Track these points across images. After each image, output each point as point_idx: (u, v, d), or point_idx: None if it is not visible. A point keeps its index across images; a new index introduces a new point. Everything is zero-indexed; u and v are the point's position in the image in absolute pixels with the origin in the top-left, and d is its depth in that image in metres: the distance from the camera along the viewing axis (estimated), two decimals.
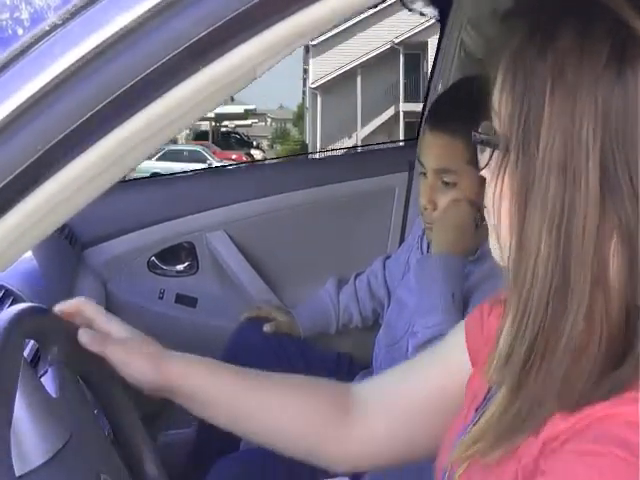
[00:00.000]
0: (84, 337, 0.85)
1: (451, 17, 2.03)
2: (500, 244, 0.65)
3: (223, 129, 33.67)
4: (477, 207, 1.40)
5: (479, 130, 0.67)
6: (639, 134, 0.57)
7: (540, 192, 0.59)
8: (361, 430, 0.90)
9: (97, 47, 0.58)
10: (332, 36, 22.77)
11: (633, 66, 0.57)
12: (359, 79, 23.91)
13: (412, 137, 2.24)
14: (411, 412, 0.89)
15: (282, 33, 0.58)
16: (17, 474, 0.65)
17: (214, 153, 22.28)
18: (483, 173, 0.67)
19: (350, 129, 23.51)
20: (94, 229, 1.99)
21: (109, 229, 2.02)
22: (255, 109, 37.43)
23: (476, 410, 0.76)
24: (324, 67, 24.44)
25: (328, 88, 24.09)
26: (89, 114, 0.58)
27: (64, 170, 0.59)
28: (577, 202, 0.58)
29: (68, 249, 1.85)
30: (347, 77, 23.85)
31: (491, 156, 0.64)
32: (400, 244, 2.05)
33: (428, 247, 1.65)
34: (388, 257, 1.92)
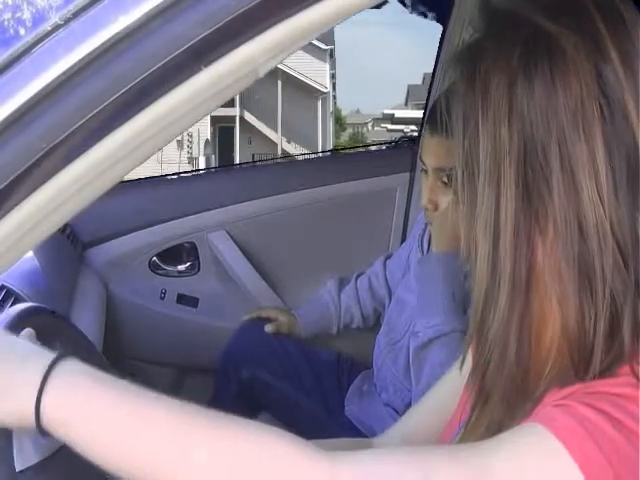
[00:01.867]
0: None
1: (452, 18, 2.04)
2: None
3: None
4: None
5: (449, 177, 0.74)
6: (548, 128, 0.60)
7: (479, 201, 0.64)
8: None
9: (99, 47, 0.58)
10: None
11: (537, 62, 0.60)
12: None
13: (414, 138, 2.23)
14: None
15: (285, 33, 0.58)
16: (17, 469, 0.65)
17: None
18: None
19: None
20: (96, 229, 1.99)
21: (111, 229, 2.02)
22: None
23: (472, 409, 0.77)
24: None
25: None
26: (91, 114, 0.58)
27: (67, 169, 0.59)
28: (501, 204, 0.62)
29: (70, 249, 1.85)
30: None
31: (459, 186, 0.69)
32: (402, 243, 2.05)
33: (428, 246, 1.65)
34: (389, 257, 1.92)
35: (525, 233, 0.62)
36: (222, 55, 0.58)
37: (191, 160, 22.05)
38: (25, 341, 0.70)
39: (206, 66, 0.58)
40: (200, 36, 0.57)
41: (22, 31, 0.60)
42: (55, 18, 0.58)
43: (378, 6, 2.43)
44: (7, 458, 0.64)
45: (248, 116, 23.39)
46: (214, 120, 23.28)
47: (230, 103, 23.17)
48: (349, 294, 1.93)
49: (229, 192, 2.10)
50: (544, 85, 0.60)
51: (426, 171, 1.54)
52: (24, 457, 0.69)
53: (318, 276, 2.01)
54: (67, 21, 0.58)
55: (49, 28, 0.58)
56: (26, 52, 0.59)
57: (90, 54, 0.58)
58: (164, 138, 0.63)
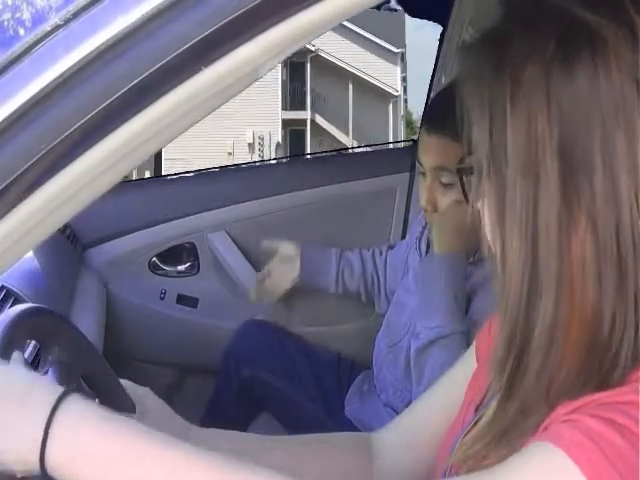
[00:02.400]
0: None
1: (452, 18, 2.04)
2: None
3: None
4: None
5: (460, 170, 0.70)
6: (591, 119, 0.58)
7: (511, 199, 0.61)
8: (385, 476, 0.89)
9: (99, 47, 0.57)
10: None
11: (578, 53, 0.58)
12: None
13: (413, 139, 2.23)
14: (435, 445, 0.86)
15: (285, 33, 0.58)
16: (19, 475, 0.65)
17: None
18: (478, 207, 0.68)
19: None
20: (96, 229, 1.99)
21: (111, 229, 2.02)
22: None
23: (476, 409, 0.76)
24: None
25: None
26: (91, 114, 0.58)
27: (66, 170, 0.59)
28: (540, 200, 0.60)
29: (69, 249, 1.85)
30: None
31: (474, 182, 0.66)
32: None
33: (427, 248, 1.65)
34: (392, 247, 1.91)
35: (566, 230, 0.59)
36: (222, 55, 0.58)
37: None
38: (22, 371, 0.67)
39: (206, 66, 0.58)
40: (200, 36, 0.57)
41: (22, 31, 0.60)
42: (55, 18, 0.58)
43: (378, 7, 2.43)
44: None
45: (319, 119, 23.61)
46: (285, 123, 23.46)
47: (301, 106, 23.46)
48: (353, 252, 1.92)
49: (229, 192, 2.10)
50: (586, 75, 0.58)
51: (424, 173, 1.52)
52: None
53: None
54: (67, 21, 0.58)
55: (49, 28, 0.58)
56: (26, 52, 0.59)
57: (90, 54, 0.58)
58: (164, 138, 0.63)
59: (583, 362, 0.60)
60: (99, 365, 0.88)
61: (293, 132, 23.90)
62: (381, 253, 1.90)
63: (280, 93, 23.11)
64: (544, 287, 0.60)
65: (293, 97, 23.84)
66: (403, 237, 2.11)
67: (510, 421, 0.64)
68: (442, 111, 1.49)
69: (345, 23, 21.57)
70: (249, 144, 22.59)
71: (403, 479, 0.90)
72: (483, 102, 0.63)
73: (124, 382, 0.87)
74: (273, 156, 21.53)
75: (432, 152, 1.50)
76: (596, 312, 0.59)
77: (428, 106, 1.67)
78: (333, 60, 23.16)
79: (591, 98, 0.58)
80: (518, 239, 0.61)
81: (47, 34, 0.58)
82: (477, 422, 0.74)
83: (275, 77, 22.10)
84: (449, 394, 0.87)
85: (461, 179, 0.70)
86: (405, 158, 2.15)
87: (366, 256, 1.91)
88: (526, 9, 0.62)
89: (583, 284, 0.59)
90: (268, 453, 0.88)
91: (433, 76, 2.19)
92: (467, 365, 0.87)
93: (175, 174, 2.28)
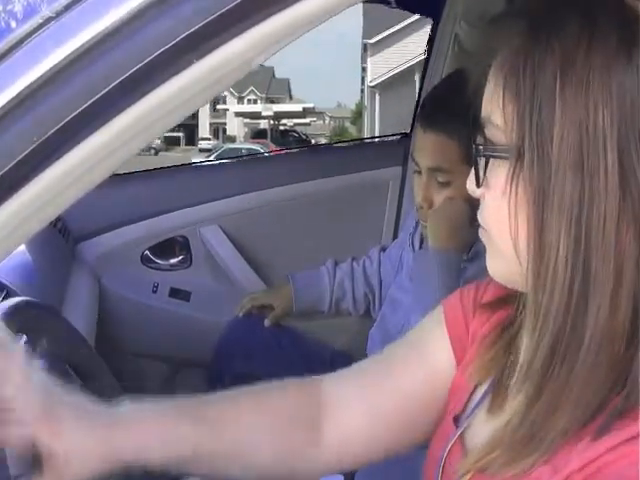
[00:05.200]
0: None
1: (445, 12, 2.03)
2: (506, 263, 0.64)
3: (282, 127, 33.82)
4: (472, 204, 1.39)
5: (478, 145, 0.64)
6: None
7: (558, 192, 0.58)
8: (335, 433, 0.82)
9: (91, 40, 0.57)
10: (390, 35, 22.67)
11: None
12: (417, 77, 23.91)
13: (405, 132, 2.23)
14: (395, 410, 0.81)
15: (276, 26, 0.58)
16: (13, 475, 0.64)
17: (272, 151, 22.28)
18: (482, 192, 0.65)
19: (408, 127, 23.37)
20: (88, 223, 1.99)
21: (103, 223, 2.02)
22: (314, 107, 37.65)
23: (455, 418, 0.75)
24: (383, 65, 24.42)
25: (386, 86, 24.02)
26: (83, 107, 0.58)
27: (58, 163, 0.59)
28: (595, 196, 0.57)
29: (61, 243, 1.85)
30: (405, 75, 23.81)
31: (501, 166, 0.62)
32: (394, 238, 2.05)
33: (421, 244, 1.65)
34: (383, 250, 1.92)
35: (622, 228, 0.57)
36: (214, 48, 0.58)
37: None
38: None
39: (198, 59, 0.58)
40: (192, 29, 0.57)
41: (13, 24, 0.59)
42: (46, 11, 0.58)
43: (370, 0, 2.42)
44: (3, 463, 0.64)
45: None
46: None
47: None
48: (344, 270, 1.92)
49: (221, 186, 2.10)
50: None
51: (419, 172, 1.51)
52: (19, 462, 0.68)
53: (310, 270, 2.01)
54: (59, 14, 0.58)
55: (41, 21, 0.58)
56: (17, 45, 0.58)
57: (81, 47, 0.58)
58: (156, 131, 0.63)
59: (605, 373, 0.58)
60: (86, 353, 0.88)
61: None
62: (372, 262, 1.90)
63: None
64: (597, 290, 0.57)
65: None
66: (396, 230, 2.11)
67: (526, 434, 0.61)
68: (438, 107, 1.48)
69: None
70: None
71: (355, 445, 0.83)
72: (526, 74, 0.59)
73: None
74: None
75: (428, 151, 1.49)
76: (627, 325, 0.57)
77: (423, 102, 1.66)
78: None
79: None
80: (566, 238, 0.57)
81: (38, 27, 0.58)
82: (462, 433, 0.72)
83: None
84: (412, 366, 0.82)
85: (475, 161, 0.65)
86: (397, 151, 2.15)
87: (357, 274, 1.91)
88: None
89: (633, 286, 0.57)
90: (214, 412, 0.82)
91: (425, 71, 2.19)
92: (433, 342, 0.82)
93: (167, 167, 2.27)
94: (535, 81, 0.59)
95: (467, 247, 1.48)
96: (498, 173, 0.62)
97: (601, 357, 0.58)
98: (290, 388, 0.85)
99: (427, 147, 1.50)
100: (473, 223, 0.67)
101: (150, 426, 0.73)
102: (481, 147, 0.64)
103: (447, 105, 1.40)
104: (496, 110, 0.62)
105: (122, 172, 2.04)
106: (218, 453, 0.77)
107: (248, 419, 0.81)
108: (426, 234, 1.55)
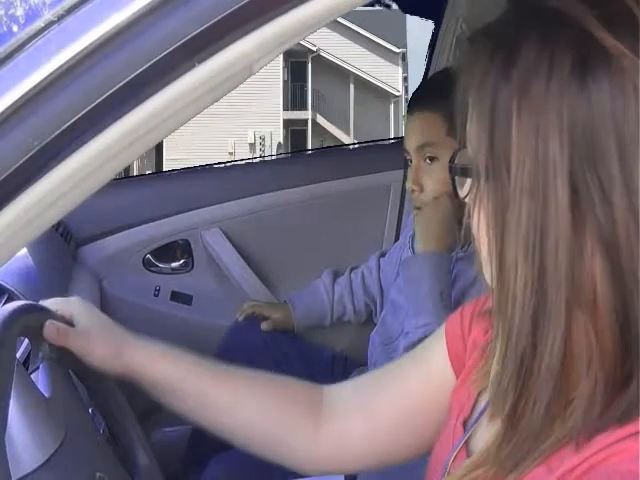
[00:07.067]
0: (48, 331, 0.84)
1: (446, 15, 2.04)
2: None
3: None
4: (458, 202, 1.39)
5: (455, 160, 0.65)
6: (605, 144, 0.55)
7: (514, 218, 0.57)
8: (333, 434, 0.86)
9: (93, 44, 0.57)
10: None
11: (595, 76, 0.55)
12: None
13: None
14: (395, 420, 0.85)
15: (279, 29, 0.58)
16: (13, 478, 0.64)
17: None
18: (467, 201, 0.65)
19: None
20: (89, 226, 1.99)
21: (104, 226, 2.02)
22: None
23: (463, 423, 0.75)
24: None
25: None
26: (85, 111, 0.58)
27: (59, 167, 0.59)
28: (549, 222, 0.56)
29: (63, 246, 1.85)
30: None
31: (470, 185, 0.63)
32: (395, 241, 2.05)
33: None
34: (383, 255, 1.92)
35: (577, 259, 0.56)
36: (216, 52, 0.58)
37: None
38: None
39: (200, 63, 0.58)
40: (194, 33, 0.57)
41: (15, 28, 0.59)
42: (48, 15, 0.58)
43: (372, 4, 2.43)
44: (3, 467, 0.64)
45: (320, 119, 23.63)
46: (286, 123, 23.43)
47: (303, 106, 23.59)
48: (342, 285, 1.92)
49: (223, 190, 2.10)
50: (602, 99, 0.55)
51: (410, 160, 1.53)
52: (19, 465, 0.68)
53: (312, 273, 2.01)
54: (60, 18, 0.58)
55: (42, 25, 0.58)
56: (19, 49, 0.59)
57: (83, 51, 0.58)
58: (158, 135, 0.63)
59: (601, 393, 0.57)
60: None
61: (294, 132, 23.87)
62: (371, 271, 1.90)
63: (282, 93, 23.10)
64: (553, 316, 0.57)
65: (294, 97, 23.84)
66: (397, 234, 2.11)
67: (511, 453, 0.61)
68: (425, 92, 1.53)
69: (346, 23, 21.54)
70: (250, 144, 22.54)
71: (351, 450, 0.87)
72: (485, 99, 0.59)
73: (53, 300, 0.91)
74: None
75: (415, 130, 1.52)
76: (617, 343, 0.56)
77: (412, 94, 1.67)
78: (334, 60, 23.19)
79: (606, 124, 0.55)
80: (523, 263, 0.57)
81: (40, 31, 0.58)
82: (469, 440, 0.73)
83: (277, 77, 22.08)
84: (412, 379, 0.85)
85: (452, 178, 0.66)
86: (399, 154, 2.14)
87: (356, 287, 1.91)
88: (543, 21, 0.59)
89: (596, 314, 0.56)
90: (223, 371, 0.94)
91: (426, 73, 2.19)
92: (434, 356, 0.84)
93: (169, 171, 2.27)
94: (493, 109, 0.58)
95: (456, 246, 1.48)
96: (467, 190, 0.63)
97: (566, 384, 0.57)
98: (293, 381, 0.93)
99: (414, 127, 1.52)
100: (461, 220, 0.67)
101: (159, 355, 0.91)
102: (456, 163, 0.65)
103: (435, 90, 1.45)
104: (469, 133, 0.62)
105: (123, 176, 2.05)
106: (218, 402, 0.89)
107: (250, 383, 0.91)
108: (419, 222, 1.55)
